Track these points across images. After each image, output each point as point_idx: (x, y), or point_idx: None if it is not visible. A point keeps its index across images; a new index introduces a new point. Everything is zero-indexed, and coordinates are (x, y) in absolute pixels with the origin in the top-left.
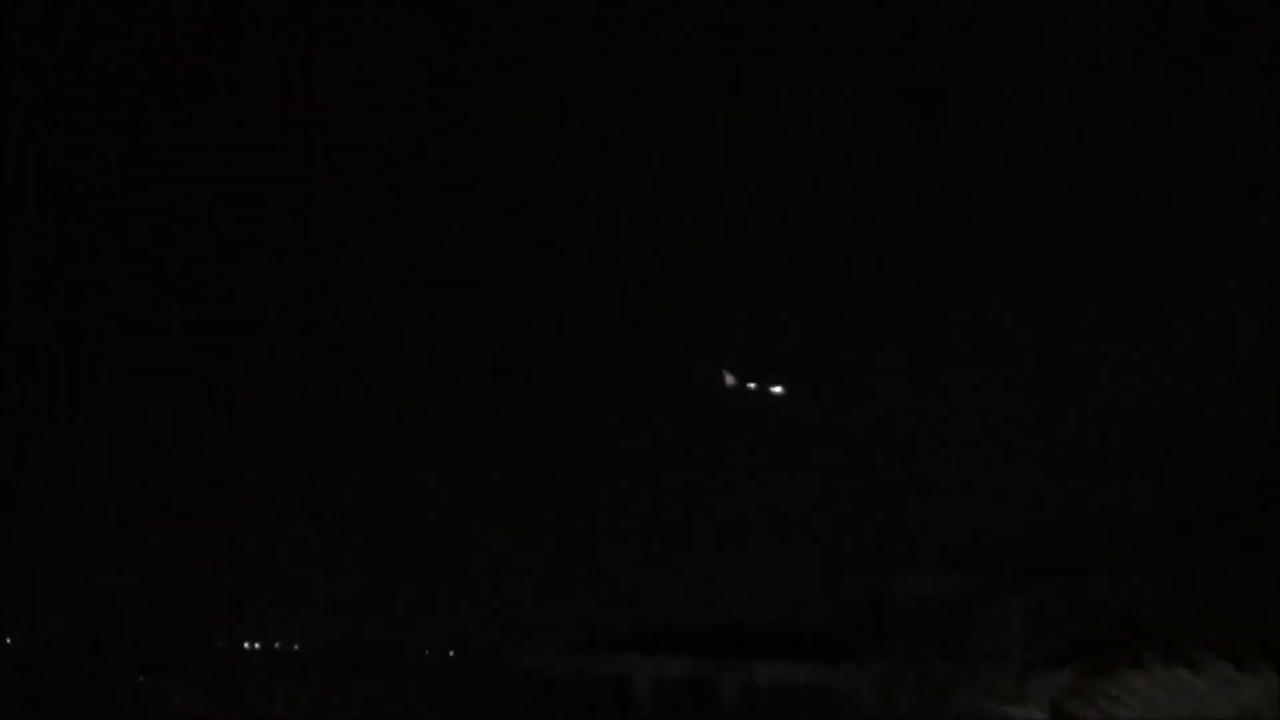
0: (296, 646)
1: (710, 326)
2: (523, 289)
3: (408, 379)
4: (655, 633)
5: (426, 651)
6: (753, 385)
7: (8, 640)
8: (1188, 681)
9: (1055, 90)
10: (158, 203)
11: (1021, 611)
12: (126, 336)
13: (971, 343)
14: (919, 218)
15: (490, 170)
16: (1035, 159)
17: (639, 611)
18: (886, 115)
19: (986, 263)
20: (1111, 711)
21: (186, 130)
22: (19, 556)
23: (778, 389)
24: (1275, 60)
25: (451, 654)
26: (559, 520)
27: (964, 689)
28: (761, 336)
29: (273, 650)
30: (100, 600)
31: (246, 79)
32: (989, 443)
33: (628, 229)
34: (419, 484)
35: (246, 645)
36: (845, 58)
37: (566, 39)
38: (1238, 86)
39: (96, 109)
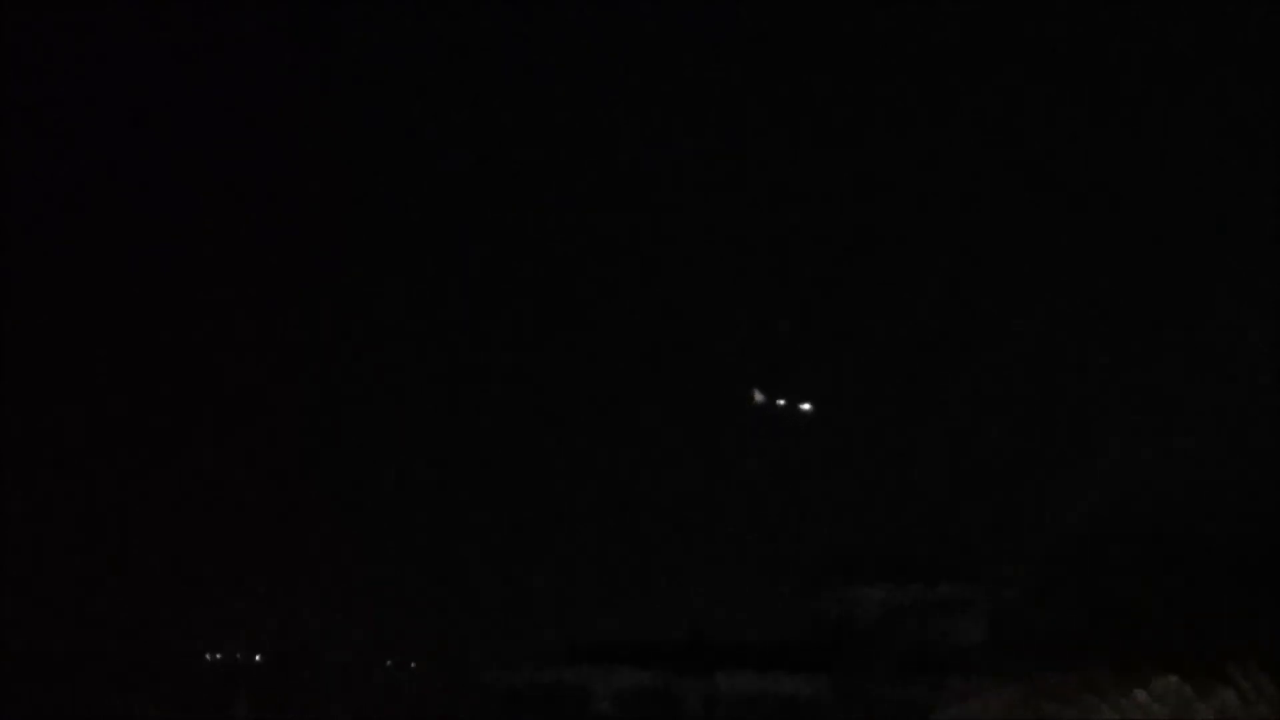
0: (258, 657)
1: (689, 344)
2: (526, 295)
3: (379, 397)
4: (616, 644)
5: (389, 662)
6: (781, 402)
7: None
8: (1145, 705)
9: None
10: (165, 207)
11: (983, 624)
12: (97, 359)
13: (961, 356)
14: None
15: (527, 185)
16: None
17: (600, 622)
18: (921, 137)
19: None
20: None
21: (197, 137)
22: None
23: (806, 406)
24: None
25: (413, 664)
26: (522, 533)
27: (925, 700)
28: (762, 352)
29: (234, 660)
30: (64, 611)
31: (252, 87)
32: (963, 459)
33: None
34: (383, 499)
35: (208, 656)
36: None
37: (597, 53)
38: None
39: (105, 117)
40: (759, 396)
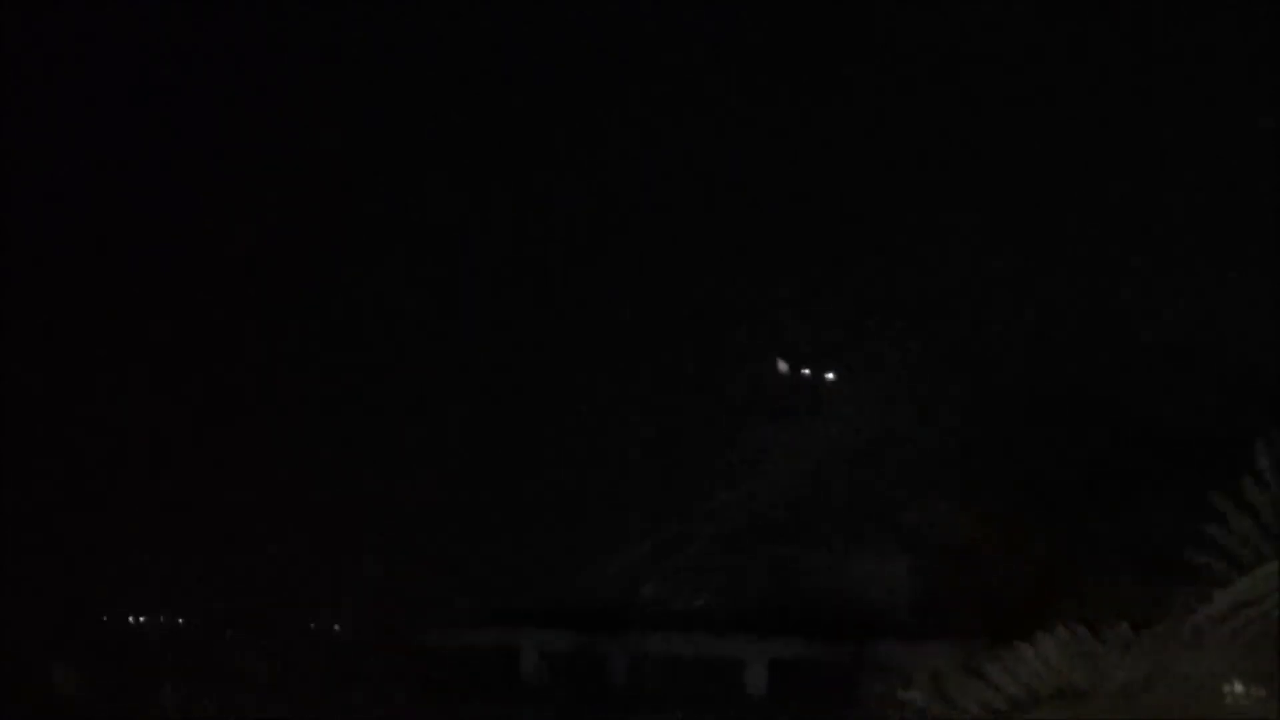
0: (181, 620)
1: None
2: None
3: (314, 362)
4: (543, 606)
5: (312, 624)
6: (806, 371)
7: None
8: (1053, 656)
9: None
10: (166, 205)
11: (908, 587)
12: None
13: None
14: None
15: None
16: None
17: (528, 585)
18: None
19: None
20: (982, 695)
21: (199, 135)
22: None
23: (830, 375)
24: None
25: (336, 627)
26: (448, 493)
27: (854, 665)
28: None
29: (159, 624)
30: None
31: (254, 85)
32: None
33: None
34: (310, 459)
35: (132, 619)
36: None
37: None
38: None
39: (104, 115)
40: (783, 366)
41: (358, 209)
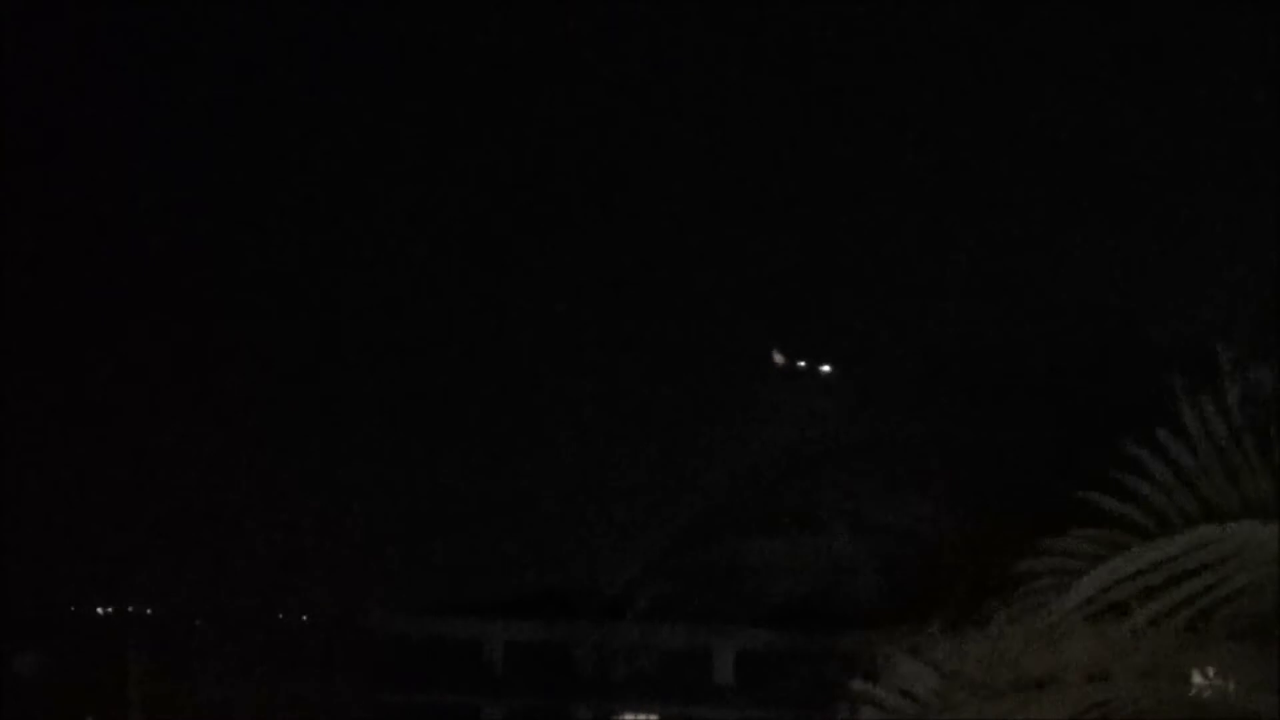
0: (149, 610)
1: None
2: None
3: (282, 353)
4: (507, 597)
5: (280, 614)
6: (802, 363)
7: None
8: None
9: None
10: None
11: (872, 579)
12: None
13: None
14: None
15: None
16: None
17: (493, 576)
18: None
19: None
20: (935, 685)
21: (194, 133)
22: None
23: (825, 367)
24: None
25: (305, 617)
26: (418, 486)
27: (819, 656)
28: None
29: (126, 613)
30: None
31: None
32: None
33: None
34: (278, 452)
35: (100, 609)
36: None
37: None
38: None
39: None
40: (779, 358)
41: (354, 209)
